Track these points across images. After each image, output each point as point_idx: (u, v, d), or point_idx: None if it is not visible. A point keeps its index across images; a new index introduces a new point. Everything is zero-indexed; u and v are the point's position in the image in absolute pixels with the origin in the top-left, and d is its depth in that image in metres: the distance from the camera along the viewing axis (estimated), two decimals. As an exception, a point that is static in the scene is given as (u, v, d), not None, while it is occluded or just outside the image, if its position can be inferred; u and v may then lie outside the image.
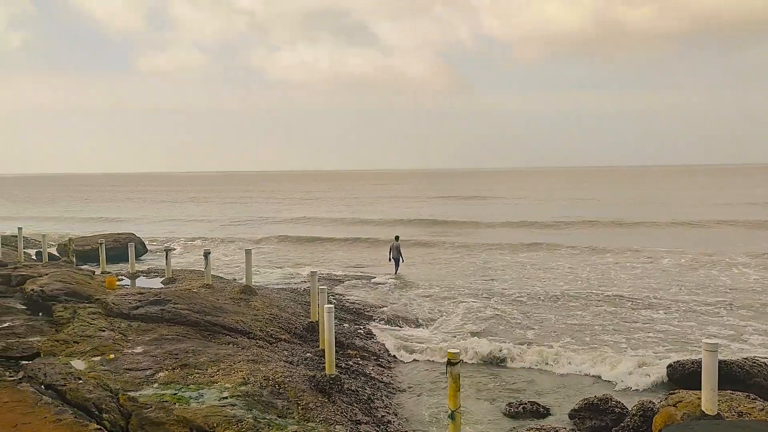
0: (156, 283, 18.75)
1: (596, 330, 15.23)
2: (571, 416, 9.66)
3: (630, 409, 9.04)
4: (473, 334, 14.89)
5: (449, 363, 7.28)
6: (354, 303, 18.09)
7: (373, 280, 22.54)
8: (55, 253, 27.18)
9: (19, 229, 24.05)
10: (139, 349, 10.34)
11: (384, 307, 17.78)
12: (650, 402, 8.84)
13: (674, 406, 8.16)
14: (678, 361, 11.26)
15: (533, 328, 15.52)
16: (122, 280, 19.15)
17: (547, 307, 17.79)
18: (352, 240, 36.07)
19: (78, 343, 10.46)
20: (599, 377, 11.91)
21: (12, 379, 8.55)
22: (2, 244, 23.89)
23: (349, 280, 22.67)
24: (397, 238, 24.85)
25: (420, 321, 16.47)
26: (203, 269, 17.42)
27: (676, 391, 8.97)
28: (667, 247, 29.07)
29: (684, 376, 10.76)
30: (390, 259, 23.92)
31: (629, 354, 13.06)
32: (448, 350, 7.50)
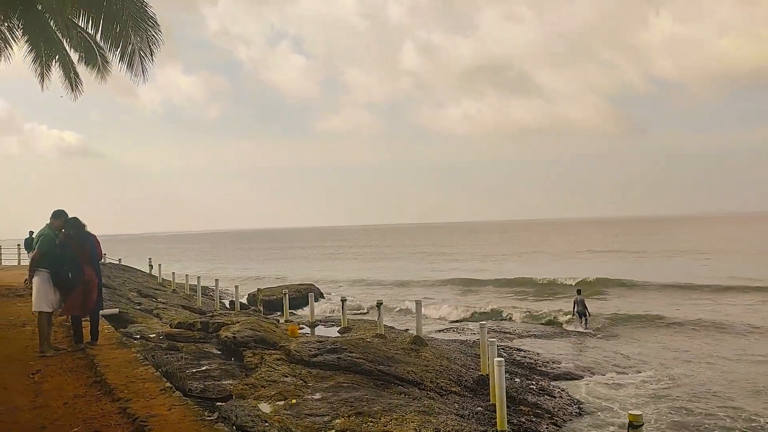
0: (333, 331, 19.68)
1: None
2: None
3: None
4: (659, 397, 13.75)
5: (631, 425, 6.80)
6: (525, 357, 17.56)
7: (548, 335, 21.74)
8: (245, 302, 29.67)
9: (216, 280, 26.68)
10: (317, 396, 10.86)
11: (560, 363, 17.04)
12: None
13: None
14: None
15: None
16: (303, 328, 20.34)
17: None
18: (527, 294, 35.00)
19: (264, 388, 11.23)
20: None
21: (210, 418, 9.40)
22: (202, 294, 26.62)
23: (521, 334, 22.08)
24: (579, 291, 23.96)
25: (601, 380, 15.54)
26: (376, 319, 18.02)
27: None
28: None
29: None
30: (573, 314, 23.12)
31: None
32: (629, 412, 7.02)
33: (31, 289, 9.34)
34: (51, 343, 9.28)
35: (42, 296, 8.94)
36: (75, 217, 9.42)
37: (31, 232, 26.96)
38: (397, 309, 29.57)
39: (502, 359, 10.47)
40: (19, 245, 29.34)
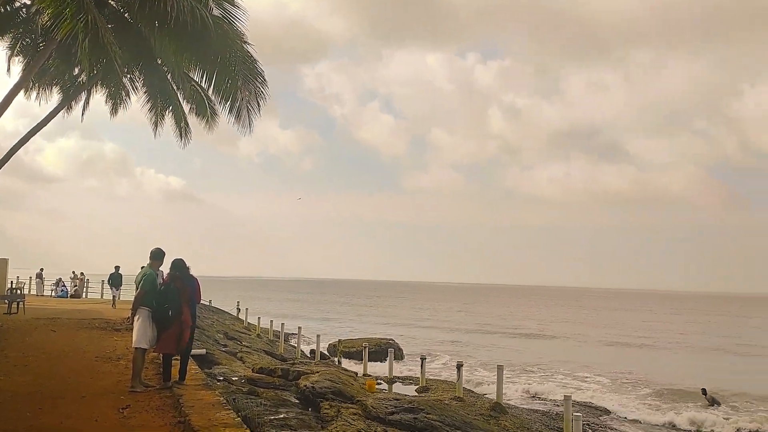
0: (410, 390, 19.38)
1: None
2: None
3: None
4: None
5: None
6: (613, 436, 16.56)
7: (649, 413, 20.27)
8: (326, 352, 29.82)
9: (299, 328, 27.06)
10: (392, 456, 10.66)
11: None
12: None
13: None
14: None
15: None
16: (380, 383, 20.17)
17: None
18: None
19: (339, 442, 11.15)
20: None
21: (284, 468, 9.38)
22: (284, 340, 27.04)
23: (615, 411, 20.48)
24: (704, 391, 22.83)
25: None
26: (455, 381, 17.62)
27: None
28: None
29: None
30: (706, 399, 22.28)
31: None
32: None
33: (131, 325, 9.81)
34: (142, 380, 9.66)
35: (142, 333, 9.37)
36: (181, 259, 9.77)
37: (117, 267, 28.18)
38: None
39: (588, 437, 9.94)
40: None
